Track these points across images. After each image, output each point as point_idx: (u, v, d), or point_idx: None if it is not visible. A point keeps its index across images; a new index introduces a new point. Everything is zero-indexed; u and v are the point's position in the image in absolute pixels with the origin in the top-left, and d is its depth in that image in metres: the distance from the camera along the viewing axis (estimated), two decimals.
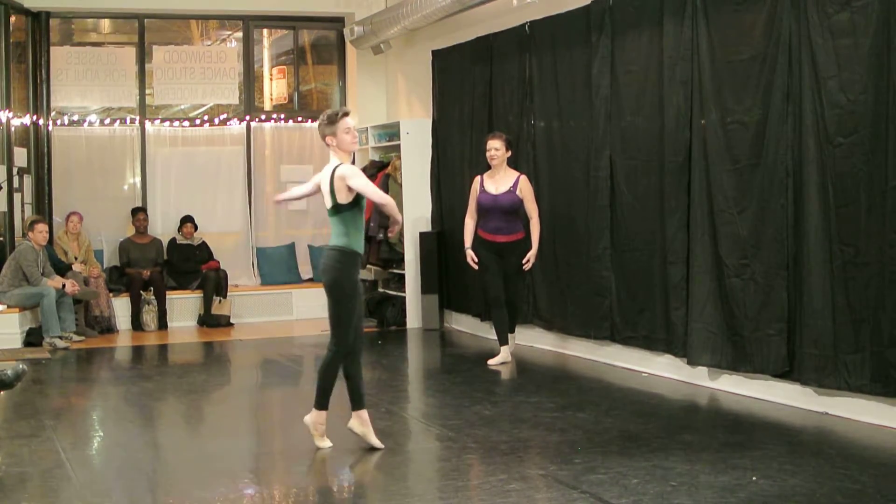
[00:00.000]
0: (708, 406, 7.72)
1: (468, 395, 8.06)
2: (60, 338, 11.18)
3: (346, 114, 6.36)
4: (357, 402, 6.45)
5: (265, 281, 13.63)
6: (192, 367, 10.28)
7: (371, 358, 10.50)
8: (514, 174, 9.41)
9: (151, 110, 13.66)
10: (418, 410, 7.97)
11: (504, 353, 9.42)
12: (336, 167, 6.27)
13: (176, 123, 13.73)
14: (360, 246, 6.35)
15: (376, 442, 6.39)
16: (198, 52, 13.84)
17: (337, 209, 6.25)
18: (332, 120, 6.33)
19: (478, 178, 9.50)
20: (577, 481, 5.58)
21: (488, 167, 9.47)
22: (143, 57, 13.45)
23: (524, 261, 9.28)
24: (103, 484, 5.96)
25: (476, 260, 9.35)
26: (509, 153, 9.43)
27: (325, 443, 6.46)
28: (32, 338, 11.31)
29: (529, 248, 9.29)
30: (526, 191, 9.33)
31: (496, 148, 9.32)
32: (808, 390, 7.17)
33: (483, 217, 9.45)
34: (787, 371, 7.34)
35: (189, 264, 13.00)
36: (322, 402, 6.45)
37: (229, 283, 13.00)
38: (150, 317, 12.53)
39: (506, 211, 9.30)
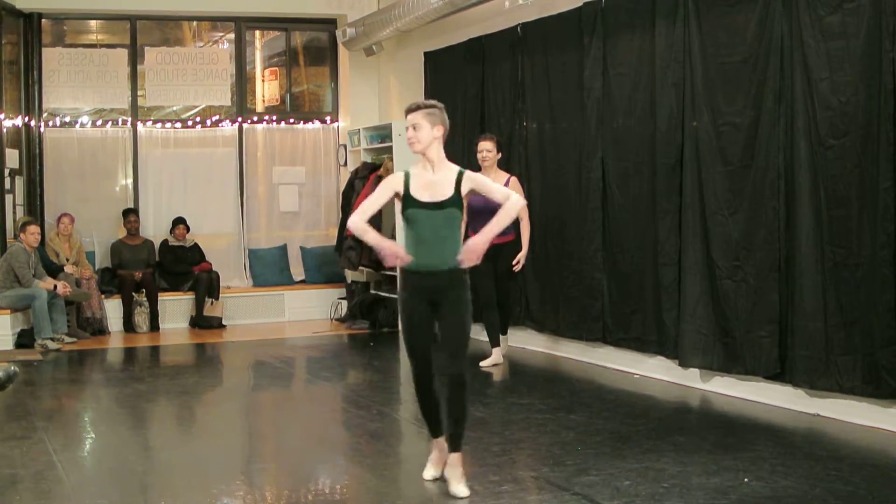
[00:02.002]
0: (700, 408, 7.73)
1: None
2: (52, 339, 11.16)
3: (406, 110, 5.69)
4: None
5: (257, 283, 13.62)
6: (184, 369, 10.27)
7: (363, 360, 10.52)
8: (504, 176, 9.41)
9: (143, 112, 13.63)
10: (410, 412, 7.96)
11: (496, 355, 9.42)
12: None
13: (168, 125, 13.70)
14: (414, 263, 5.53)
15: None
16: (190, 54, 13.83)
17: None
18: None
19: None
20: (569, 483, 5.58)
21: (479, 169, 9.46)
22: (135, 58, 13.42)
23: (514, 262, 9.28)
24: (95, 486, 5.95)
25: None
26: (500, 155, 9.44)
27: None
28: (24, 339, 11.29)
29: (520, 249, 9.29)
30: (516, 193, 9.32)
31: (487, 149, 9.32)
32: (800, 392, 7.18)
33: (474, 219, 9.39)
34: (778, 373, 7.35)
35: (181, 266, 12.98)
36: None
37: (221, 284, 12.98)
38: (141, 318, 12.51)
39: (496, 213, 9.26)
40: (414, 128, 5.60)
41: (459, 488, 5.42)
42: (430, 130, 5.59)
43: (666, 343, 8.38)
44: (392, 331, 11.97)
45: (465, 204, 5.64)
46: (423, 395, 5.63)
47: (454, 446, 5.56)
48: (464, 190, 5.60)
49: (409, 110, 5.67)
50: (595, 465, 5.93)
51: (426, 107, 5.64)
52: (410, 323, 5.56)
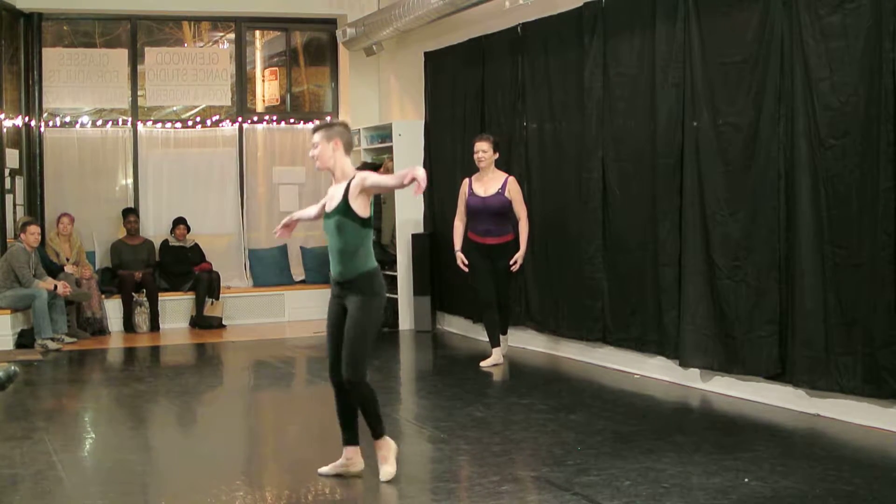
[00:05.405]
0: (700, 408, 7.72)
1: (460, 396, 8.06)
2: (52, 339, 11.16)
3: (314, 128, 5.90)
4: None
5: (257, 283, 13.62)
6: (184, 369, 10.26)
7: None
8: (502, 176, 9.41)
9: (143, 112, 13.63)
10: (410, 412, 7.97)
11: (496, 355, 9.42)
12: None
13: (168, 125, 13.71)
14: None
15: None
16: (190, 54, 13.83)
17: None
18: None
19: (466, 181, 9.49)
20: (570, 483, 5.58)
21: (476, 169, 9.47)
22: (135, 58, 13.42)
23: (511, 262, 9.28)
24: (95, 486, 5.94)
25: (466, 263, 9.36)
26: (496, 155, 9.42)
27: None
28: (24, 339, 11.29)
29: (518, 249, 9.29)
30: (514, 192, 9.33)
31: (483, 150, 9.32)
32: (801, 392, 7.17)
33: (472, 220, 9.44)
34: (779, 373, 7.35)
35: (181, 266, 12.98)
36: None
37: (221, 284, 12.97)
38: (142, 318, 12.51)
39: (495, 213, 9.29)
40: (314, 147, 5.83)
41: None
42: (327, 146, 5.78)
43: (666, 343, 8.37)
44: (392, 331, 11.97)
45: (361, 206, 5.68)
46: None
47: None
48: (351, 195, 5.68)
49: (312, 132, 5.91)
50: (595, 465, 5.93)
51: (322, 127, 5.84)
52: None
